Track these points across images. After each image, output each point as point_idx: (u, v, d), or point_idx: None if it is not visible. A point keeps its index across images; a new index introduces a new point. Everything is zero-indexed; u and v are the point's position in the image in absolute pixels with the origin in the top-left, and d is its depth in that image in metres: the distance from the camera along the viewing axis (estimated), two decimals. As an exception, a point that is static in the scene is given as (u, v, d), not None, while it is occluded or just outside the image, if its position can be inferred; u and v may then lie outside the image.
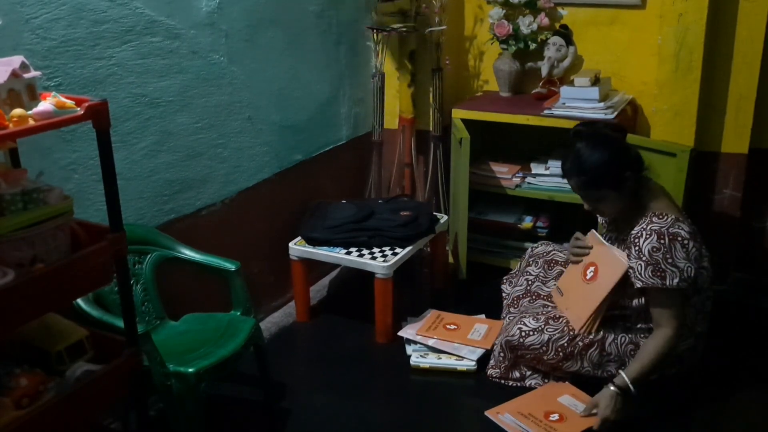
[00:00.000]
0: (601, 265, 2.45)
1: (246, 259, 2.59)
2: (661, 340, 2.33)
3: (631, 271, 2.34)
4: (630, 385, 2.31)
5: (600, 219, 2.74)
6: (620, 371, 2.35)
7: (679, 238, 2.29)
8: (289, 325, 3.04)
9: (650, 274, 2.29)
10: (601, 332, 2.44)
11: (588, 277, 2.47)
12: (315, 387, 2.64)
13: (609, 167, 2.36)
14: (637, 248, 2.31)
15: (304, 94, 3.13)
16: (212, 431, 2.33)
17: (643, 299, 2.38)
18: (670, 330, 2.32)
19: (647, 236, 2.30)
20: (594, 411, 2.34)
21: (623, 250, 2.40)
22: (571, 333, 2.44)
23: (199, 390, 2.11)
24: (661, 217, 2.33)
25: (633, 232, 2.36)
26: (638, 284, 2.33)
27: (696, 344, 2.49)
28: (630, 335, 2.44)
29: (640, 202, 2.42)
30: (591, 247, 2.53)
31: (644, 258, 2.29)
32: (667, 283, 2.28)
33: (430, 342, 2.77)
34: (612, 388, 2.32)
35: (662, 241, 2.28)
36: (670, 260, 2.28)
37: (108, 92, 2.20)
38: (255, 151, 2.87)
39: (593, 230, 2.58)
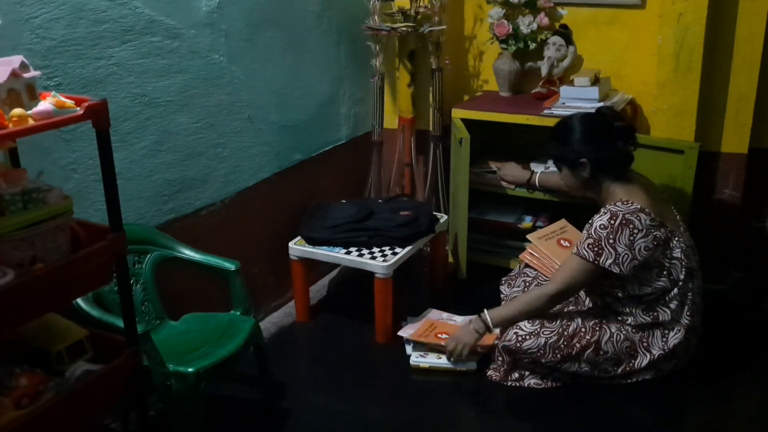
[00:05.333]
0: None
1: (246, 259, 2.59)
2: (537, 295, 2.47)
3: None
4: (490, 324, 2.51)
5: None
6: (486, 311, 2.53)
7: (631, 226, 2.35)
8: (289, 325, 3.04)
9: (587, 246, 2.38)
10: (597, 332, 2.45)
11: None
12: (315, 387, 2.64)
13: (569, 147, 2.51)
14: (591, 221, 2.42)
15: (304, 94, 3.13)
16: (212, 431, 2.33)
17: (633, 287, 2.43)
18: (554, 288, 2.44)
19: (602, 213, 2.40)
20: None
21: None
22: (566, 334, 2.45)
23: (199, 390, 2.11)
24: (625, 202, 2.40)
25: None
26: (573, 250, 2.43)
27: (689, 338, 2.49)
28: (624, 332, 2.46)
29: (608, 191, 2.49)
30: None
31: (590, 231, 2.39)
32: (600, 261, 2.35)
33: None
34: (471, 319, 2.57)
35: (612, 222, 2.36)
36: (611, 241, 2.35)
37: (108, 92, 2.20)
38: (255, 150, 2.87)
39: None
